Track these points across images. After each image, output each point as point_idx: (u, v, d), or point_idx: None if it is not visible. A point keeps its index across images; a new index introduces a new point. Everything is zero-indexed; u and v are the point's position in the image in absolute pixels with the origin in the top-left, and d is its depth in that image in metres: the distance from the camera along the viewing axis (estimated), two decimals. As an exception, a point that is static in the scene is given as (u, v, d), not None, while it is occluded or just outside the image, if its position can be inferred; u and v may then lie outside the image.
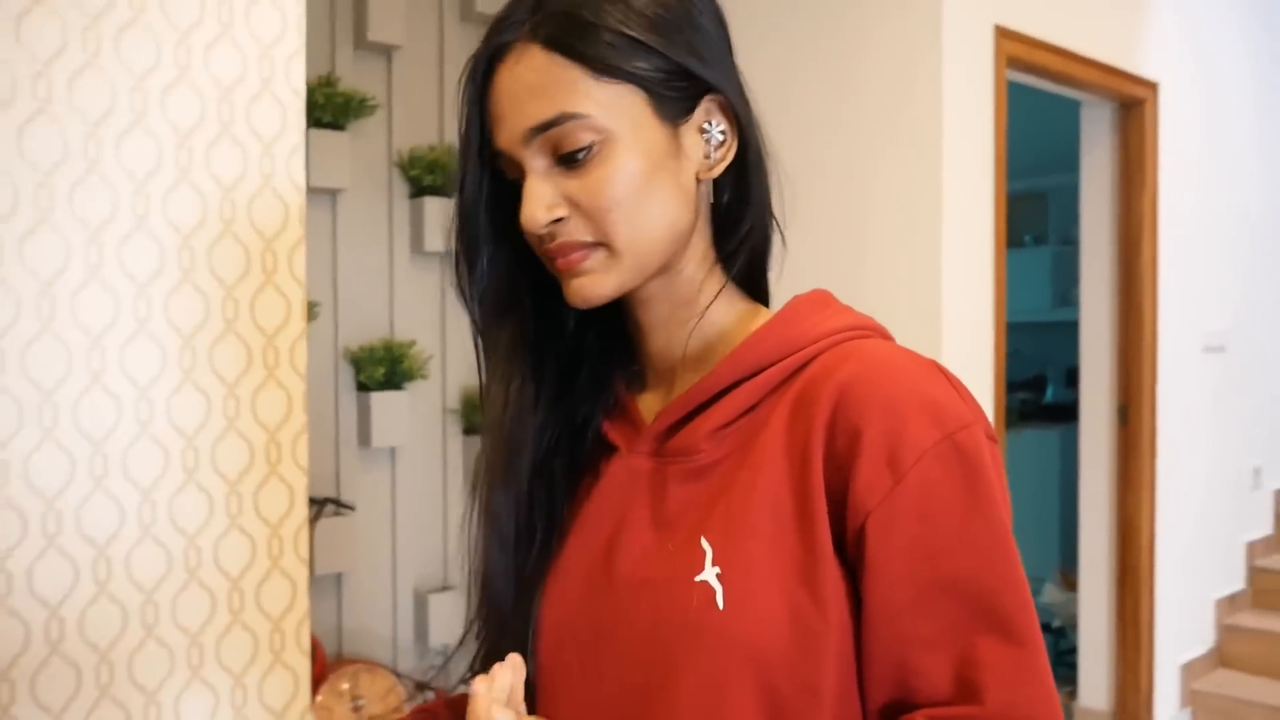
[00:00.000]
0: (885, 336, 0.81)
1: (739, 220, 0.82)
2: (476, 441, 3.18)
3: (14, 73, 1.25)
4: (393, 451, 3.09)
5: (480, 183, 0.81)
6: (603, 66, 0.74)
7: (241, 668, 1.41)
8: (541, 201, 0.76)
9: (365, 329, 3.04)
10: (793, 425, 0.74)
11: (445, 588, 3.20)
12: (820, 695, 0.70)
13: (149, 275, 1.34)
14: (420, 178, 3.07)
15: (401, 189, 3.11)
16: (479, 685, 0.70)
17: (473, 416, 3.20)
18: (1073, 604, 3.82)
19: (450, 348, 3.20)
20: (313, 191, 2.81)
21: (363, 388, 3.00)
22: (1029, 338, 5.77)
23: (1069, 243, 5.80)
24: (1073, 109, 3.64)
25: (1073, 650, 3.77)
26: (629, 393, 0.87)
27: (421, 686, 3.02)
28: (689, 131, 0.78)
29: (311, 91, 2.77)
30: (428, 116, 3.17)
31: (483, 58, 0.78)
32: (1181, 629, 3.76)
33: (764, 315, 0.84)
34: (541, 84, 0.74)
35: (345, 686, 2.72)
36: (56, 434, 1.28)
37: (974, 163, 2.79)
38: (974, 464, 0.70)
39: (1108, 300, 3.57)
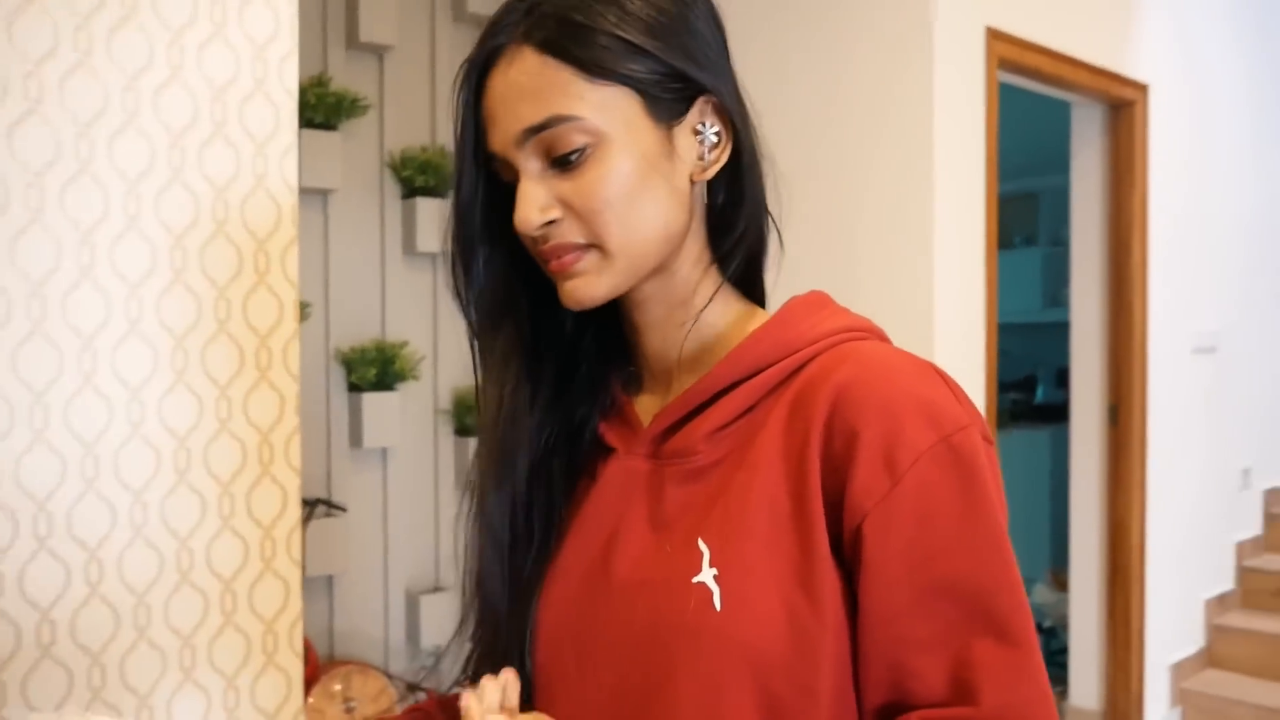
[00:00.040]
0: (882, 338, 0.82)
1: (734, 222, 0.82)
2: (468, 442, 3.18)
3: (5, 72, 1.25)
4: (384, 452, 3.09)
5: (476, 185, 0.82)
6: (595, 69, 0.74)
7: (234, 669, 1.40)
8: (535, 203, 0.76)
9: (357, 330, 3.03)
10: (790, 427, 0.74)
11: (437, 589, 3.19)
12: (817, 696, 0.70)
13: (141, 276, 1.33)
14: (412, 178, 3.06)
15: (393, 189, 3.11)
16: (469, 700, 0.71)
17: (465, 417, 3.20)
18: (1064, 604, 3.83)
19: (442, 349, 3.20)
20: (304, 192, 2.80)
21: (354, 388, 2.99)
22: (1019, 339, 5.78)
23: (1059, 244, 5.82)
24: (1063, 110, 3.65)
25: (1064, 650, 3.78)
26: (626, 394, 0.87)
27: (413, 688, 3.02)
28: (683, 133, 0.78)
29: (303, 92, 2.76)
30: (419, 117, 3.17)
31: (477, 61, 0.78)
32: (1171, 629, 3.77)
33: (761, 316, 0.84)
34: (534, 87, 0.74)
35: (337, 688, 2.71)
36: (48, 435, 1.27)
37: (965, 164, 2.80)
38: (970, 466, 0.70)
39: (1098, 301, 3.58)
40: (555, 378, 0.87)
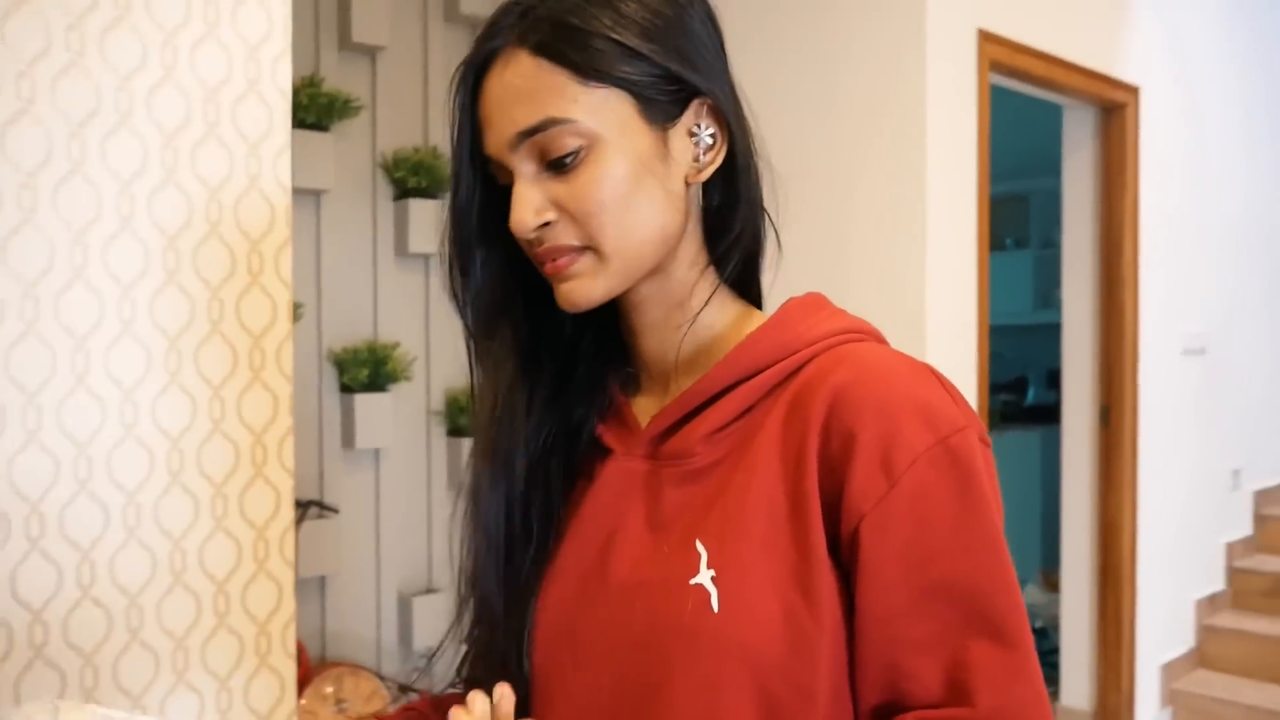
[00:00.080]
0: (879, 340, 0.82)
1: (730, 223, 0.82)
2: (461, 443, 3.18)
3: (-2, 72, 1.24)
4: (376, 453, 3.08)
5: (472, 188, 0.82)
6: (590, 71, 0.74)
7: (227, 671, 1.40)
8: (529, 206, 0.76)
9: (349, 331, 3.03)
10: (787, 428, 0.74)
11: (429, 590, 3.19)
12: (814, 697, 0.70)
13: (134, 276, 1.33)
14: (404, 179, 3.06)
15: (385, 190, 3.10)
16: (459, 716, 0.71)
17: (457, 418, 3.19)
18: (1055, 604, 3.84)
19: (434, 349, 3.20)
20: (296, 192, 2.80)
21: (346, 389, 2.99)
22: (1010, 340, 5.80)
23: (1050, 246, 5.84)
24: (1053, 112, 3.66)
25: (1054, 650, 3.79)
26: (624, 395, 0.88)
27: (405, 689, 3.01)
28: (677, 135, 0.78)
29: (295, 92, 2.76)
30: (412, 118, 3.17)
31: (472, 64, 0.79)
32: (1162, 629, 3.78)
33: (758, 318, 0.85)
34: (528, 89, 0.75)
35: (329, 689, 2.71)
36: (40, 436, 1.27)
37: (957, 166, 2.80)
38: (967, 468, 0.70)
39: (1089, 303, 3.59)
40: (553, 378, 0.87)
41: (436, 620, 3.12)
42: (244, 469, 1.41)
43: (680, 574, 0.73)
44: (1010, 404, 5.99)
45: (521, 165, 0.76)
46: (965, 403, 0.74)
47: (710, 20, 0.80)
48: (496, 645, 0.84)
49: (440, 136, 3.18)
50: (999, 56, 2.89)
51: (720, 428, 0.78)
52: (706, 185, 0.81)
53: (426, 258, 3.16)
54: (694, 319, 0.82)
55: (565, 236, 0.77)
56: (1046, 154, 4.18)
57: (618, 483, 0.83)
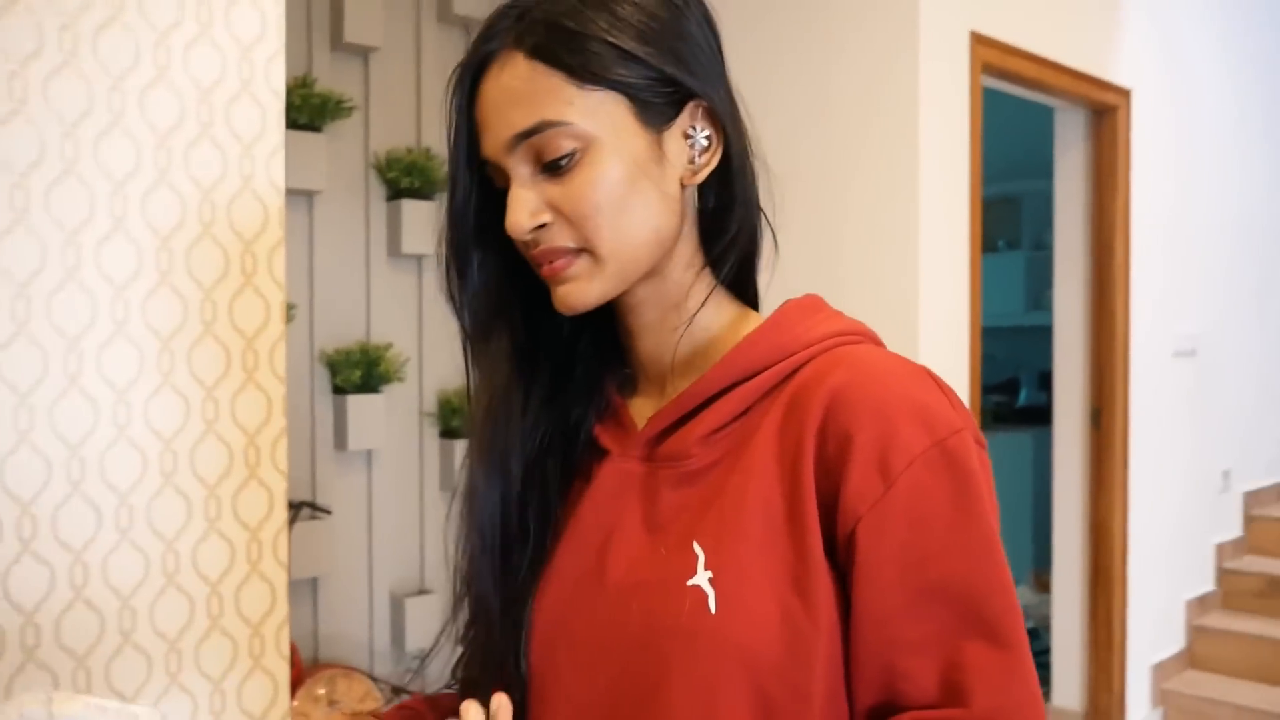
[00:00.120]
0: (876, 342, 0.82)
1: (725, 225, 0.82)
2: (454, 445, 3.17)
3: (-10, 72, 1.24)
4: (369, 455, 3.08)
5: (469, 190, 0.82)
6: (585, 74, 0.74)
7: (220, 673, 1.40)
8: (525, 208, 0.76)
9: (341, 331, 3.02)
10: (784, 430, 0.75)
11: (422, 591, 3.19)
12: (810, 698, 0.70)
13: (127, 277, 1.33)
14: (397, 180, 3.06)
15: (378, 191, 3.10)
16: None
17: (450, 420, 3.19)
18: (1046, 605, 3.85)
19: (427, 350, 3.19)
20: (289, 193, 2.79)
21: (339, 390, 2.98)
22: (1002, 342, 5.81)
23: (1041, 247, 5.85)
24: (1045, 114, 3.67)
25: (1046, 651, 3.80)
26: (621, 396, 0.88)
27: (398, 690, 3.01)
28: (673, 137, 0.78)
29: (288, 93, 2.75)
30: (405, 118, 3.16)
31: (469, 66, 0.79)
32: (1153, 630, 3.80)
33: (754, 320, 0.85)
34: (524, 92, 0.75)
35: (321, 691, 2.70)
36: (32, 437, 1.26)
37: (950, 168, 2.81)
38: (963, 470, 0.70)
39: (1081, 304, 3.60)
40: (550, 379, 0.87)
41: (429, 622, 3.11)
42: (237, 470, 1.41)
43: (677, 575, 0.73)
44: (1002, 405, 6.01)
45: (517, 167, 0.77)
46: (961, 405, 0.74)
47: (707, 22, 0.81)
48: (493, 646, 0.84)
49: (433, 137, 3.18)
50: (991, 59, 2.90)
51: (717, 429, 0.78)
52: (702, 187, 0.81)
53: (419, 259, 3.15)
54: (690, 320, 0.82)
55: (561, 238, 0.77)
56: (1038, 156, 4.20)
57: (614, 484, 0.83)
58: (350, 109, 2.97)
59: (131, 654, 1.33)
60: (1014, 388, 6.19)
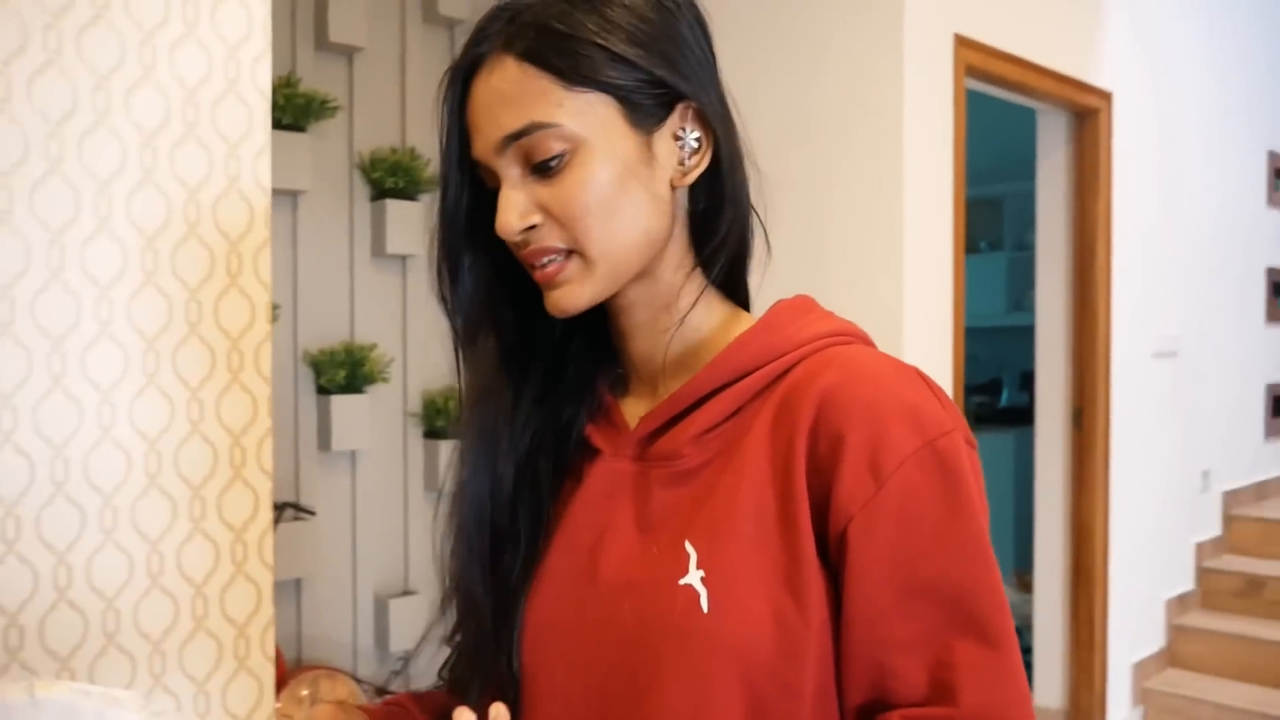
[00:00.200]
0: (867, 342, 0.83)
1: (715, 226, 0.82)
2: (438, 445, 3.17)
3: (-26, 71, 1.23)
4: (353, 455, 3.07)
5: (460, 192, 0.82)
6: (574, 76, 0.75)
7: (205, 675, 1.39)
8: (515, 209, 0.77)
9: (325, 332, 3.01)
10: (776, 430, 0.75)
11: (406, 593, 3.18)
12: (801, 696, 0.71)
13: (111, 277, 1.32)
14: (382, 180, 3.05)
15: (363, 191, 3.09)
16: None
17: (434, 420, 3.18)
18: (1028, 605, 3.87)
19: (411, 351, 3.19)
20: (273, 193, 2.78)
21: (323, 391, 2.97)
22: (984, 342, 5.84)
23: (1023, 249, 5.88)
24: (1028, 117, 3.69)
25: (1028, 650, 3.82)
26: (612, 396, 0.88)
27: (382, 691, 3.00)
28: (662, 139, 0.79)
29: (272, 92, 2.74)
30: (389, 119, 3.16)
31: (461, 68, 0.79)
32: (1133, 629, 3.82)
33: (745, 320, 0.85)
34: (514, 94, 0.75)
35: (305, 693, 2.69)
36: (16, 438, 1.26)
37: (934, 169, 2.82)
38: (954, 470, 0.71)
39: (1063, 306, 3.63)
40: (542, 379, 0.88)
41: (413, 623, 3.11)
42: (222, 471, 1.41)
43: (669, 574, 0.74)
44: (984, 405, 6.04)
45: (508, 169, 0.77)
46: (952, 405, 0.75)
47: (699, 25, 0.81)
48: (485, 645, 0.84)
49: (418, 138, 3.17)
50: (975, 61, 2.92)
51: (709, 429, 0.79)
52: (692, 189, 0.82)
53: (404, 259, 3.14)
54: (681, 321, 0.83)
55: (551, 239, 0.77)
56: (1020, 158, 4.22)
57: (606, 483, 0.83)
58: (335, 109, 2.96)
59: (115, 655, 1.32)
60: (996, 388, 6.22)
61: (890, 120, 2.73)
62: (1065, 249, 3.61)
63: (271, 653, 1.45)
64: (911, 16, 2.72)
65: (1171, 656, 4.05)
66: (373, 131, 3.10)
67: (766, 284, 0.89)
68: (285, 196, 2.90)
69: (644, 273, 0.81)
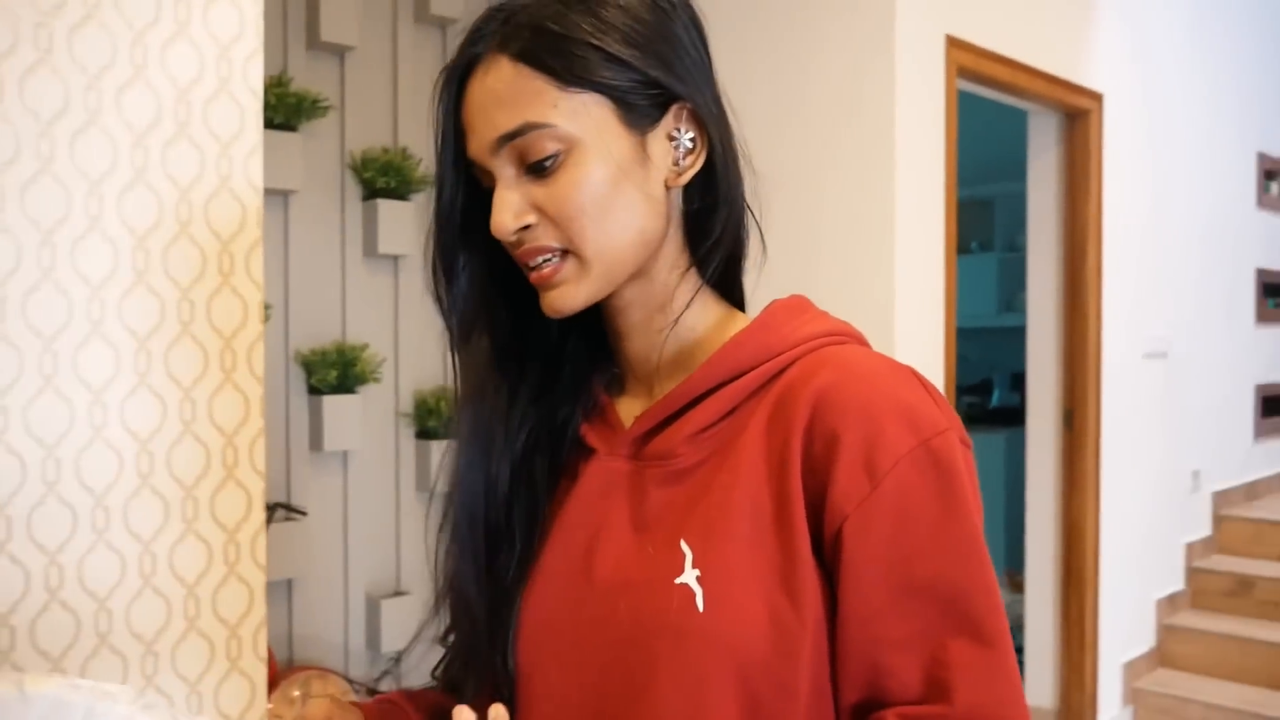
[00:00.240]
0: (862, 342, 0.83)
1: (710, 226, 0.82)
2: (430, 445, 3.16)
3: (-35, 69, 1.23)
4: (345, 456, 3.07)
5: (456, 192, 0.82)
6: (569, 77, 0.75)
7: (197, 675, 1.39)
8: (510, 209, 0.77)
9: (317, 332, 3.01)
10: (771, 430, 0.75)
11: (398, 593, 3.18)
12: (796, 695, 0.71)
13: (103, 277, 1.32)
14: (373, 180, 3.05)
15: (354, 191, 3.08)
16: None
17: (426, 420, 3.18)
18: (1019, 605, 3.88)
19: (403, 351, 3.18)
20: (264, 193, 2.77)
21: (314, 391, 2.97)
22: (975, 343, 5.86)
23: (1014, 250, 5.90)
24: (1019, 118, 3.70)
25: (1019, 650, 3.81)
26: (608, 396, 0.88)
27: (373, 692, 3.00)
28: (657, 139, 0.79)
29: (264, 92, 2.73)
30: (381, 118, 3.15)
31: (456, 69, 0.79)
32: (1124, 629, 3.83)
33: (741, 320, 0.85)
34: (508, 94, 0.75)
35: (296, 693, 2.69)
36: (7, 438, 1.25)
37: (925, 170, 2.83)
38: (949, 469, 0.71)
39: (1054, 306, 3.64)
40: (538, 379, 0.88)
41: (405, 623, 3.10)
42: (215, 471, 1.40)
43: (665, 573, 0.74)
44: (975, 406, 6.06)
45: (502, 169, 0.77)
46: (947, 405, 0.75)
47: (695, 25, 0.81)
48: (480, 644, 0.84)
49: (410, 137, 3.17)
50: (966, 62, 2.92)
51: (704, 429, 0.79)
52: (687, 189, 0.82)
53: (395, 259, 3.14)
54: (675, 321, 0.83)
55: (546, 238, 0.78)
56: (1011, 159, 4.23)
57: (601, 482, 0.83)
58: (326, 108, 2.95)
59: (108, 656, 1.32)
60: (987, 389, 6.23)
61: (882, 121, 2.73)
62: (1056, 250, 3.62)
63: (264, 653, 1.45)
64: (903, 17, 2.72)
65: (1162, 656, 4.07)
66: (364, 131, 3.10)
67: (760, 283, 0.89)
68: (276, 196, 2.89)
69: (639, 273, 0.81)
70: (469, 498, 0.85)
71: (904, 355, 2.71)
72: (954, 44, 2.87)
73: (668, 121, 0.79)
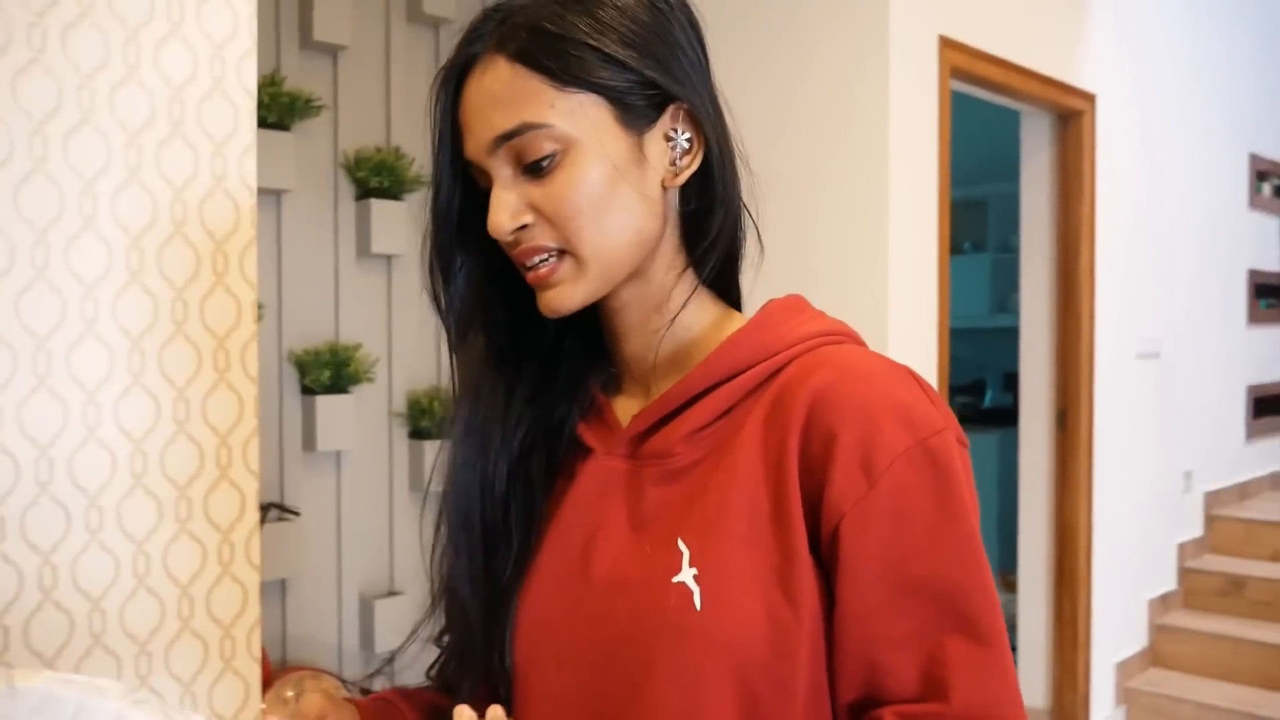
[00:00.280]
0: (858, 342, 0.83)
1: (707, 227, 0.83)
2: (423, 445, 3.16)
3: (-42, 68, 1.22)
4: (338, 456, 3.06)
5: (453, 192, 0.83)
6: (566, 77, 0.75)
7: (191, 675, 1.38)
8: (506, 209, 0.77)
9: (310, 332, 3.00)
10: (768, 429, 0.75)
11: (391, 593, 3.17)
12: (793, 694, 0.71)
13: (97, 276, 1.31)
14: (366, 179, 3.04)
15: (347, 190, 3.08)
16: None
17: (419, 420, 3.17)
18: (1012, 605, 3.89)
19: (396, 351, 3.18)
20: (257, 192, 2.77)
21: (308, 391, 2.96)
22: (967, 343, 5.86)
23: (1007, 250, 5.91)
24: (1011, 118, 3.71)
25: (1012, 650, 3.84)
26: (605, 395, 0.88)
27: (366, 693, 2.99)
28: (654, 140, 0.79)
29: (257, 91, 2.73)
30: (374, 118, 3.15)
31: (453, 69, 0.80)
32: (1117, 629, 3.84)
33: (737, 320, 0.86)
34: (505, 95, 0.76)
35: (290, 694, 2.68)
36: (1, 438, 1.25)
37: (919, 170, 2.83)
38: (945, 468, 0.71)
39: (1047, 307, 3.64)
40: (535, 378, 0.88)
41: (399, 623, 3.10)
42: (208, 471, 1.40)
43: (662, 572, 0.74)
44: (968, 406, 6.06)
45: (499, 169, 0.77)
46: (943, 404, 0.75)
47: (692, 26, 0.82)
48: (476, 643, 0.84)
49: (403, 137, 3.16)
50: (959, 63, 2.93)
51: (701, 428, 0.79)
52: (684, 189, 0.82)
53: (388, 258, 3.14)
54: (672, 321, 0.83)
55: (542, 238, 0.78)
56: (1005, 160, 4.24)
57: (598, 481, 0.83)
58: (319, 108, 2.95)
59: (101, 656, 1.32)
60: (980, 389, 6.24)
61: (875, 122, 2.74)
62: (1049, 250, 3.63)
63: (258, 653, 1.45)
64: (897, 18, 2.73)
65: (1154, 656, 4.08)
66: (357, 131, 3.09)
67: (757, 284, 0.90)
68: (269, 196, 2.89)
69: (636, 273, 0.81)
70: (466, 497, 0.85)
71: (897, 355, 2.71)
72: (947, 44, 2.88)
73: (665, 122, 0.79)
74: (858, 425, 0.71)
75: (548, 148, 0.75)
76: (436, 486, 0.88)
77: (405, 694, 0.96)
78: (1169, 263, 4.15)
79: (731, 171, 0.83)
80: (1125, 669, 3.89)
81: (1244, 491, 4.80)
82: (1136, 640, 4.00)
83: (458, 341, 0.86)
